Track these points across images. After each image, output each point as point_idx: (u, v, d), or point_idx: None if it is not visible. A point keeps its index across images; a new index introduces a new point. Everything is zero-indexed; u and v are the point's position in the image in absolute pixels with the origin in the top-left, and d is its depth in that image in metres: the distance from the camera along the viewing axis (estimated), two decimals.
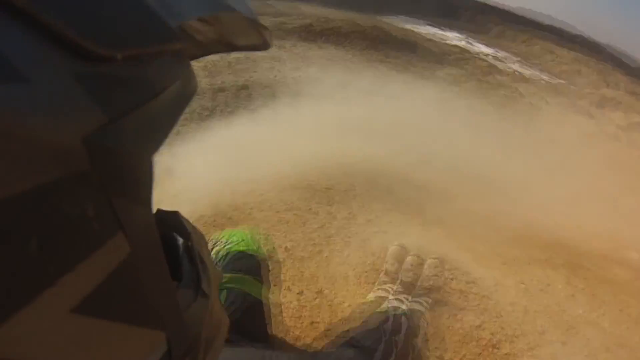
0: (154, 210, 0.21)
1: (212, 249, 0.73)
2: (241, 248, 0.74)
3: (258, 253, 0.75)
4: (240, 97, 2.05)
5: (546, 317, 1.10)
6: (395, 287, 1.00)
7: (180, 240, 0.27)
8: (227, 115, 1.87)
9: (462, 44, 4.49)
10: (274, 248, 1.00)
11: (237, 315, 0.64)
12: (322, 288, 1.05)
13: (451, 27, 5.17)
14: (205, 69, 2.17)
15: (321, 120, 1.83)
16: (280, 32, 3.03)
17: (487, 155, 1.94)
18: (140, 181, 0.16)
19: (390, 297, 0.96)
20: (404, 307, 0.90)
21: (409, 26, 4.50)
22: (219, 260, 0.71)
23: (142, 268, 0.16)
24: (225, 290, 0.65)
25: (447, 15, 5.63)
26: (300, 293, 1.03)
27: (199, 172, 1.37)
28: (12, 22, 0.11)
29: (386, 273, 1.06)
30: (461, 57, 3.80)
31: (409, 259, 1.07)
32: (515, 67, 4.31)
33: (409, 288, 1.00)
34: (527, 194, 1.74)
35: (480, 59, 4.00)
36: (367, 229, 1.28)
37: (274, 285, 0.78)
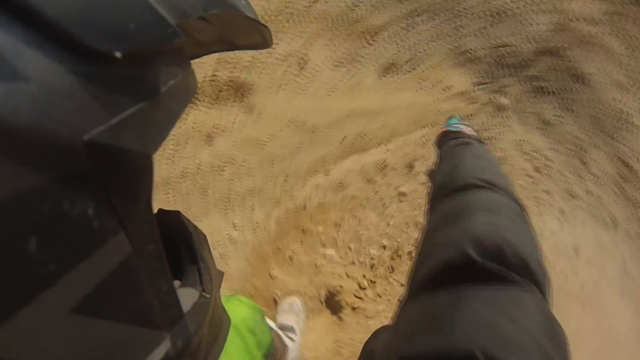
0: (155, 209, 0.21)
1: None
2: None
3: None
4: None
5: None
6: None
7: (182, 240, 0.27)
8: None
9: None
10: None
11: None
12: None
13: None
14: None
15: None
16: None
17: None
18: (141, 180, 0.16)
19: None
20: None
21: None
22: None
23: (143, 267, 0.16)
24: None
25: None
26: None
27: None
28: (10, 19, 0.11)
29: None
30: None
31: None
32: None
33: None
34: None
35: None
36: None
37: None
